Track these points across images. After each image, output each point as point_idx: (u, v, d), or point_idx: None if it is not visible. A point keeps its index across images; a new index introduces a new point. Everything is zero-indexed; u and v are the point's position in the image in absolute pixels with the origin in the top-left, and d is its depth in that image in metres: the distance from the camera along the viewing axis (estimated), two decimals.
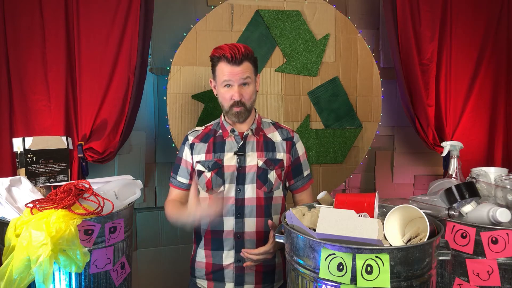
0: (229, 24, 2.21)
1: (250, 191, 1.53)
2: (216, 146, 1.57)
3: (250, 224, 1.53)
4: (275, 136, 1.61)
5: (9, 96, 1.82)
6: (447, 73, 2.25)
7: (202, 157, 1.56)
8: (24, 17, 1.81)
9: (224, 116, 1.61)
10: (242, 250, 1.45)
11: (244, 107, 1.51)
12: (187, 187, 1.61)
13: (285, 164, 1.58)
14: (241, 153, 1.53)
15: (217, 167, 1.53)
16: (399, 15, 2.16)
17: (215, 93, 1.58)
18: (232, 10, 2.20)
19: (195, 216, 1.39)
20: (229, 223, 1.52)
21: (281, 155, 1.58)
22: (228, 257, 1.53)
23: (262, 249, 1.42)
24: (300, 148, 1.65)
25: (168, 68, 2.16)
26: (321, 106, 2.32)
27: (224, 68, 1.47)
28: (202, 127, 1.65)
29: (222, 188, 1.52)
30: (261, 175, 1.53)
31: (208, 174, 1.53)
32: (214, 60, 1.51)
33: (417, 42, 2.19)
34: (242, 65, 1.47)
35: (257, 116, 1.62)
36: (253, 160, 1.54)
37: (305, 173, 1.66)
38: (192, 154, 1.59)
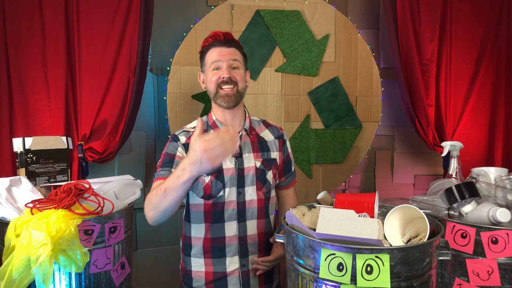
0: (229, 24, 2.21)
1: (251, 193, 1.50)
2: None
3: (252, 226, 1.51)
4: (267, 135, 1.60)
5: (9, 96, 1.82)
6: (447, 73, 2.25)
7: None
8: (24, 17, 1.81)
9: (213, 115, 1.53)
10: (255, 258, 1.49)
11: (236, 87, 1.45)
12: None
13: (278, 163, 1.58)
14: (238, 155, 1.50)
15: (216, 171, 1.47)
16: (399, 15, 2.16)
17: (203, 87, 1.53)
18: (232, 10, 2.20)
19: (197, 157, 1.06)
20: (231, 228, 1.49)
21: (274, 154, 1.57)
22: (232, 263, 1.49)
23: (276, 254, 1.48)
24: (289, 145, 1.68)
25: (168, 68, 2.16)
26: (321, 106, 2.32)
27: (213, 52, 1.46)
28: (191, 128, 1.53)
29: (222, 193, 1.46)
30: (260, 176, 1.52)
31: (206, 179, 1.46)
32: (204, 49, 1.50)
33: (417, 42, 2.19)
34: (231, 48, 1.47)
35: (247, 114, 1.59)
36: (251, 161, 1.51)
37: (293, 169, 1.69)
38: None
